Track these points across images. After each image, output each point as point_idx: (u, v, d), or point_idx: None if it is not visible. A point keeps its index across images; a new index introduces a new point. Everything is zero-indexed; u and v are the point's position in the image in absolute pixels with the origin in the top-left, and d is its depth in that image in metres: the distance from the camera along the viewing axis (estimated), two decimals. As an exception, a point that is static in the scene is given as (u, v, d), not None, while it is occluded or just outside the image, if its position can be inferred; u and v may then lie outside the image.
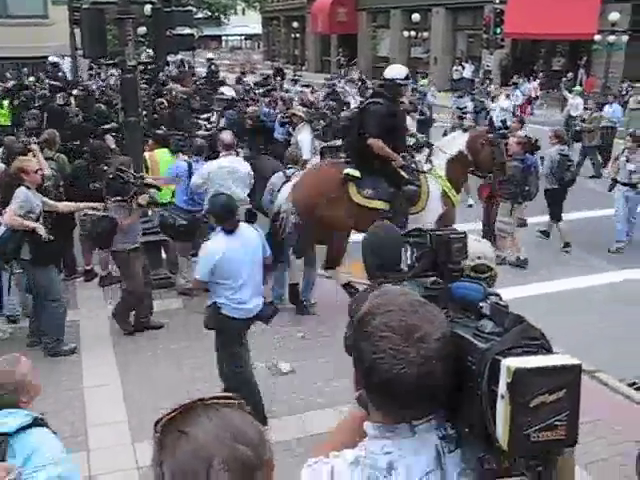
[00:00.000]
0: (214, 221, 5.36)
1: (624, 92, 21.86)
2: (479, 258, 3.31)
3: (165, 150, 8.72)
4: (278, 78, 19.85)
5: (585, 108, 17.30)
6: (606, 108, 16.86)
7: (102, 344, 6.91)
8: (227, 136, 8.02)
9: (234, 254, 5.09)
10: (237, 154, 8.36)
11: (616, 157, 10.64)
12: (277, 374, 6.35)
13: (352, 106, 15.01)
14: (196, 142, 8.30)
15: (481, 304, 1.54)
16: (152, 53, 8.63)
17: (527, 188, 9.26)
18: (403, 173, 7.43)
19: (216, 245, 5.15)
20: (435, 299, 1.62)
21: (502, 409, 1.32)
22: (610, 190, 10.46)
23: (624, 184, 10.16)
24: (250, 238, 5.28)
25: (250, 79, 22.06)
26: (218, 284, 5.20)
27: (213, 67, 20.58)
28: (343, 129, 8.28)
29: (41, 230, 6.15)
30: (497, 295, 1.60)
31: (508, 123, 14.63)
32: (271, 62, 39.31)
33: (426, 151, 7.93)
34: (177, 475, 1.22)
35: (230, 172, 7.58)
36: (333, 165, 8.01)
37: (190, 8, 14.31)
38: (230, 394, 1.39)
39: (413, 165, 7.62)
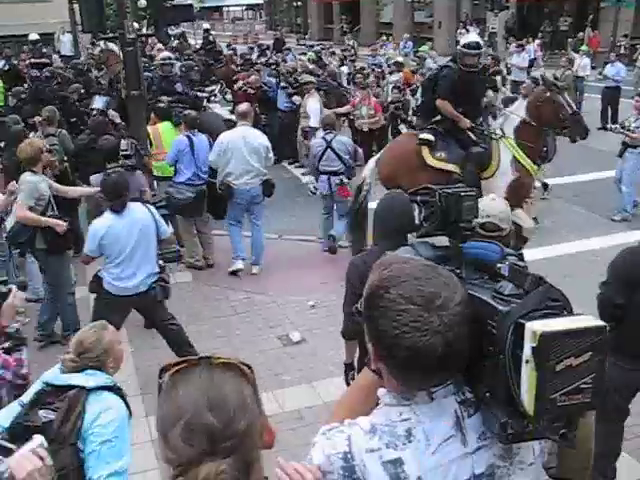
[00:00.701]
0: (105, 199, 5.58)
1: (622, 50, 21.34)
2: (488, 217, 3.31)
3: (168, 123, 8.64)
4: (282, 55, 19.39)
5: (562, 66, 16.92)
6: (607, 67, 16.49)
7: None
8: (243, 105, 8.20)
9: (118, 232, 5.35)
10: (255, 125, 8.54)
11: (622, 124, 10.36)
12: (288, 344, 6.36)
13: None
14: (189, 115, 8.19)
15: (499, 265, 1.49)
16: (137, 26, 8.53)
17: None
18: (471, 135, 7.65)
19: (102, 222, 5.41)
20: (446, 259, 1.57)
21: (527, 374, 1.28)
22: (620, 155, 10.25)
23: (628, 145, 9.89)
24: (137, 218, 5.46)
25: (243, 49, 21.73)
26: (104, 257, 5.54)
27: (210, 38, 20.26)
28: (422, 91, 8.79)
29: (60, 226, 5.99)
30: (516, 255, 1.55)
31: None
32: (273, 32, 38.85)
33: (501, 119, 8.00)
34: (158, 425, 1.32)
35: (245, 142, 7.66)
36: (412, 135, 8.34)
37: (188, -21, 14.10)
38: (241, 360, 1.38)
39: (484, 130, 7.77)
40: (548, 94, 7.43)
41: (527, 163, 7.61)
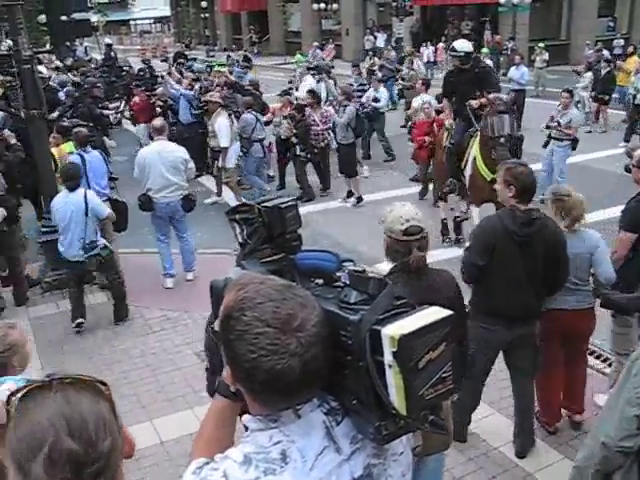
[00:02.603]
0: (61, 182, 7.15)
1: (509, 52, 22.23)
2: (408, 221, 3.35)
3: (71, 143, 8.40)
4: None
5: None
6: (512, 70, 17.05)
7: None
8: (157, 121, 8.34)
9: (58, 206, 6.88)
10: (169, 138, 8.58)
11: (552, 116, 10.74)
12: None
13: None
14: (81, 132, 8.06)
15: (338, 274, 1.49)
16: (11, 43, 8.24)
17: None
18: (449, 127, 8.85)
19: (56, 198, 7.01)
20: (278, 273, 1.55)
21: (393, 378, 1.29)
22: (545, 146, 10.60)
23: (554, 138, 10.40)
24: (73, 200, 6.81)
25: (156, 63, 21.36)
26: None
27: (112, 54, 19.80)
28: None
29: None
30: (351, 261, 1.57)
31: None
32: (181, 44, 38.49)
33: None
34: (12, 457, 1.20)
35: (161, 157, 7.72)
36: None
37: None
38: (93, 378, 1.31)
39: (472, 128, 8.34)
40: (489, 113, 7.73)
41: (480, 164, 7.90)
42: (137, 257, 8.81)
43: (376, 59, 20.84)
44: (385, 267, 3.63)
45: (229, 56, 23.85)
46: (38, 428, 1.18)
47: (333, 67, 17.10)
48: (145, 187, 7.81)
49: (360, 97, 14.45)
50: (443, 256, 7.79)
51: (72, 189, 6.83)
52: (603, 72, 16.13)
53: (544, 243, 4.19)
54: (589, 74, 16.80)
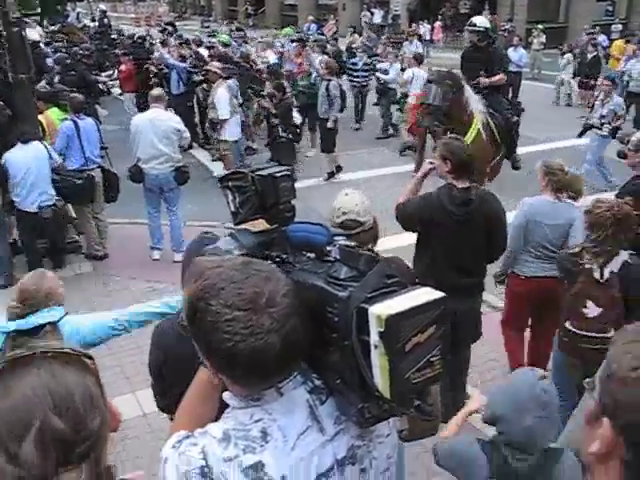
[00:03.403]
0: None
1: (506, 33, 22.01)
2: (345, 214, 3.18)
3: (55, 109, 8.26)
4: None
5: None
6: (510, 51, 16.91)
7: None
8: (155, 90, 8.21)
9: (20, 158, 7.01)
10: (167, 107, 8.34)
11: (592, 104, 10.57)
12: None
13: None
14: (76, 98, 7.93)
15: (329, 248, 1.44)
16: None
17: None
18: None
19: (11, 152, 7.08)
20: (268, 245, 1.51)
21: (378, 359, 1.24)
22: (580, 136, 10.43)
23: (595, 127, 10.17)
24: (33, 151, 7.08)
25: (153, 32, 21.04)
26: None
27: (106, 21, 19.44)
28: None
29: None
30: (343, 236, 1.52)
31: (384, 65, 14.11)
32: (175, 14, 37.97)
33: None
34: None
35: (153, 126, 7.53)
36: None
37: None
38: (78, 350, 1.24)
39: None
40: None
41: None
42: (126, 228, 8.73)
43: (356, 36, 20.65)
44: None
45: (232, 30, 23.49)
46: (22, 403, 1.10)
47: (329, 42, 16.74)
48: (135, 156, 7.64)
49: (366, 77, 14.31)
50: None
51: (26, 142, 7.06)
52: (589, 56, 16.01)
53: (485, 218, 4.29)
54: (568, 55, 16.82)
